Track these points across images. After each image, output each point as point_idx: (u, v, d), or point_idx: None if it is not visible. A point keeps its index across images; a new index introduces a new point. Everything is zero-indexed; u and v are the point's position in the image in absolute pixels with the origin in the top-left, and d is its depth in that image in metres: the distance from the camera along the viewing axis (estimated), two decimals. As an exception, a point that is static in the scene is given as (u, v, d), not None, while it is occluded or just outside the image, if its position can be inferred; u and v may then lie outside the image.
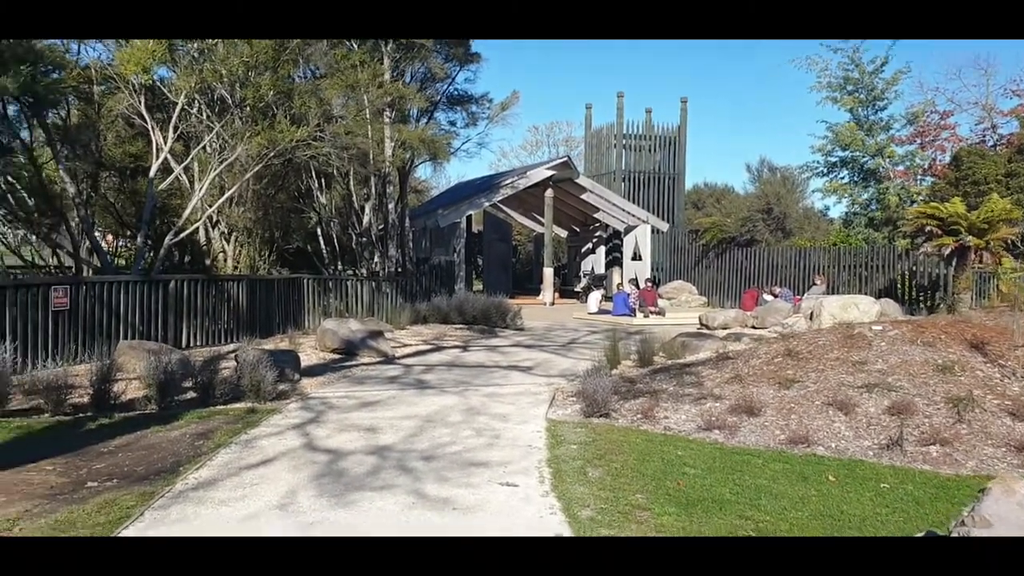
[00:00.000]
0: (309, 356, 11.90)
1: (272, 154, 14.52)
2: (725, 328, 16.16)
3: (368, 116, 17.31)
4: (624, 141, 30.54)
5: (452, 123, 22.01)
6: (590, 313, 21.21)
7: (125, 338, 11.19)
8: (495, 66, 74.58)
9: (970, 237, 16.67)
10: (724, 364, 9.66)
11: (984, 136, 30.66)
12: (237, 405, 8.52)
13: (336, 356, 12.20)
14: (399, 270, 19.42)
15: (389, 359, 12.11)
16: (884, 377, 8.25)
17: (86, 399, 8.32)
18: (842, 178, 33.25)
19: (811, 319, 14.25)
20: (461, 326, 16.66)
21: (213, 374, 9.13)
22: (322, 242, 19.45)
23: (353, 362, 11.78)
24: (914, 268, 19.56)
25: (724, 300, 24.83)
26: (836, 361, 8.85)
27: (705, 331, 15.65)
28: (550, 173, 25.54)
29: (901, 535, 4.76)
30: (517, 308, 18.05)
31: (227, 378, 9.12)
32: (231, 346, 12.56)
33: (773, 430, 7.41)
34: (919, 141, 31.36)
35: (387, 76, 17.85)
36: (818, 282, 20.37)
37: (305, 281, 15.88)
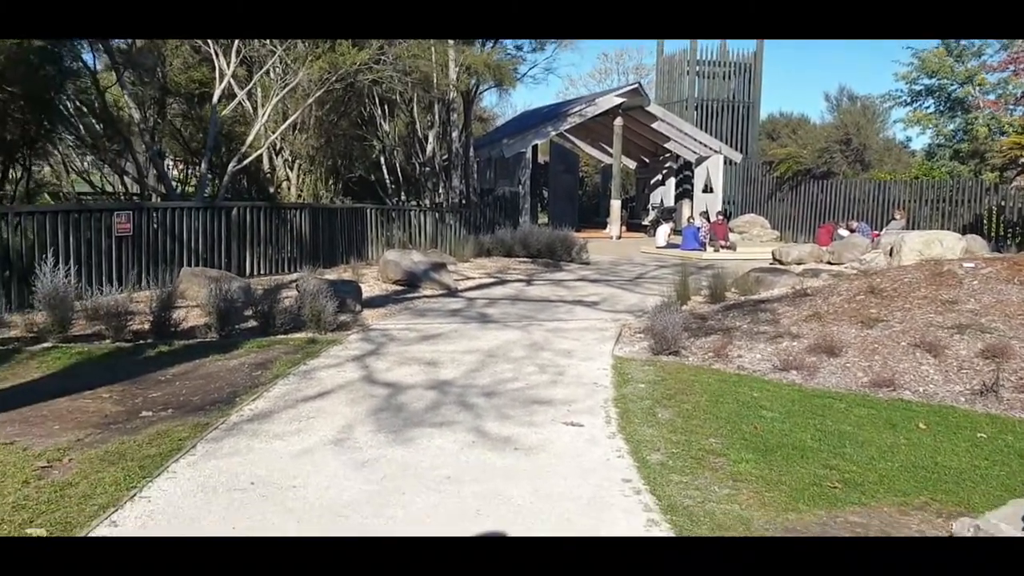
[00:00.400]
0: (371, 287, 11.74)
1: (334, 78, 14.20)
2: (799, 263, 15.56)
3: (431, 39, 16.81)
4: (697, 68, 29.36)
5: (519, 47, 21.14)
6: (658, 247, 20.70)
7: (188, 265, 11.15)
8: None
9: (1069, 170, 15.67)
10: (801, 301, 9.16)
11: (1087, 63, 28.65)
12: (297, 335, 8.39)
13: (398, 288, 12.01)
14: (463, 201, 19.10)
15: (451, 292, 11.88)
16: (976, 318, 7.69)
17: (147, 326, 8.28)
18: (927, 108, 31.56)
19: (891, 255, 13.56)
20: (525, 259, 16.36)
21: (274, 303, 9.01)
22: (385, 171, 19.17)
23: (415, 294, 11.59)
24: (1003, 203, 18.53)
25: (798, 235, 24.00)
26: (923, 300, 8.30)
27: (779, 266, 15.08)
28: (619, 101, 24.75)
29: (1005, 491, 4.34)
30: (583, 241, 17.65)
31: (288, 307, 8.99)
32: (293, 275, 12.47)
33: (855, 372, 6.96)
34: (1013, 68, 29.46)
35: (451, -4, 17.24)
36: (898, 217, 19.45)
37: (368, 211, 15.72)
